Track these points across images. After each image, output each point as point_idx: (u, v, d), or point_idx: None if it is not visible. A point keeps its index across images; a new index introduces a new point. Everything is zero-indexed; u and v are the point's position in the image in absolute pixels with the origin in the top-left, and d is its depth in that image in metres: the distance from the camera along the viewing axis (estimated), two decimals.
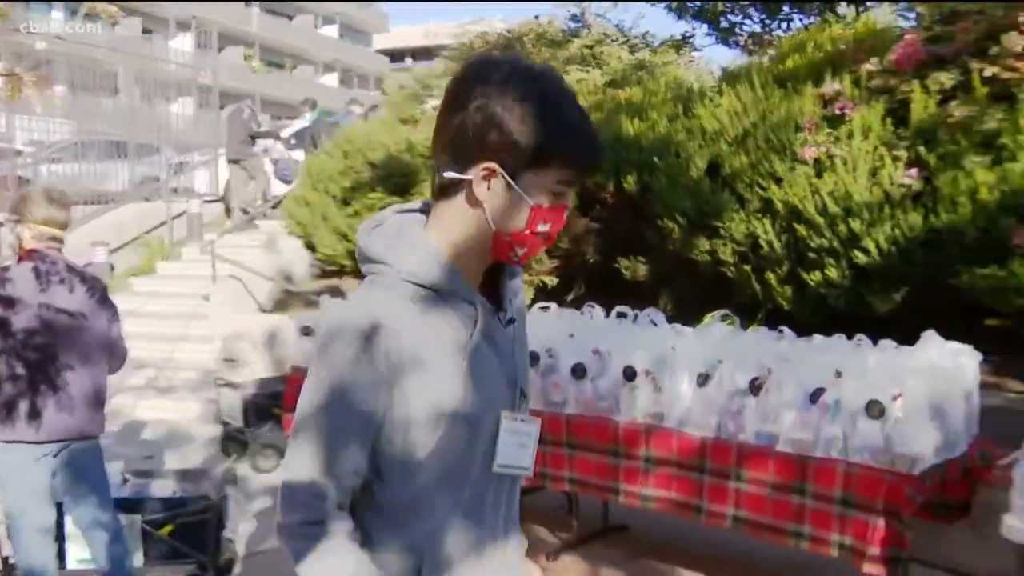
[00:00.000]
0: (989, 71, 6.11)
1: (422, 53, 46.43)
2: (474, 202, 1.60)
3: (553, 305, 5.23)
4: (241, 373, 7.86)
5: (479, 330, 1.63)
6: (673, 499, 4.03)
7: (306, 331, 5.71)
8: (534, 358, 4.39)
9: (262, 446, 6.87)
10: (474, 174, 1.57)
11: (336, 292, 9.42)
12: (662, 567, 4.58)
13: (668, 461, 4.02)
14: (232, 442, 7.25)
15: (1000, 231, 5.58)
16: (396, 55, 53.21)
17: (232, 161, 13.19)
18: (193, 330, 9.71)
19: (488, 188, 1.58)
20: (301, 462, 1.58)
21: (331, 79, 48.44)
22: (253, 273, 10.57)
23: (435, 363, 1.58)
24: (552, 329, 4.64)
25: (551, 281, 8.73)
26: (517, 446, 1.68)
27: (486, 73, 1.58)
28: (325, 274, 11.05)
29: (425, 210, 1.70)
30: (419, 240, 1.64)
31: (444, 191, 1.63)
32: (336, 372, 1.56)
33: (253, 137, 13.26)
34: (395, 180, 10.81)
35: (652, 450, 4.07)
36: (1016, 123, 5.76)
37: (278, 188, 13.17)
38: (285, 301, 10.60)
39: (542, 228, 1.59)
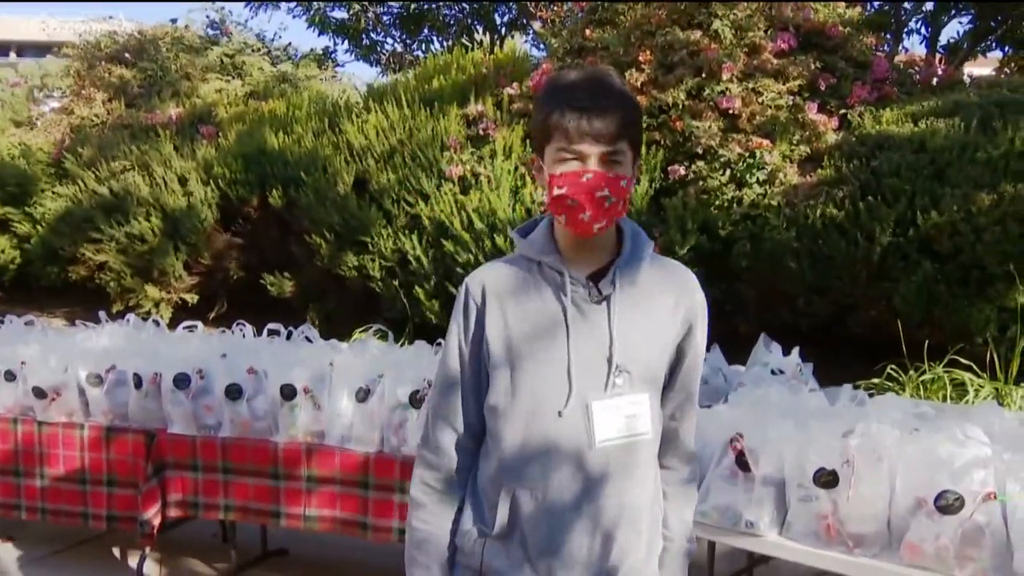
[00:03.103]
0: None
1: (30, 48, 42.30)
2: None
3: (199, 324, 4.97)
4: None
5: (562, 297, 1.86)
6: (338, 517, 3.94)
7: None
8: (184, 380, 4.15)
9: None
10: (535, 168, 1.93)
11: None
12: None
13: (331, 479, 3.93)
14: None
15: None
16: None
17: None
18: None
19: (536, 175, 1.92)
20: (429, 413, 2.00)
21: None
22: None
23: (516, 316, 1.87)
24: (202, 349, 4.39)
25: (191, 298, 8.33)
26: (619, 419, 1.85)
27: None
28: None
29: None
30: (542, 224, 1.93)
31: None
32: (451, 326, 1.94)
33: None
34: (8, 189, 9.85)
35: (314, 469, 3.97)
36: None
37: None
38: None
39: (558, 192, 1.80)
